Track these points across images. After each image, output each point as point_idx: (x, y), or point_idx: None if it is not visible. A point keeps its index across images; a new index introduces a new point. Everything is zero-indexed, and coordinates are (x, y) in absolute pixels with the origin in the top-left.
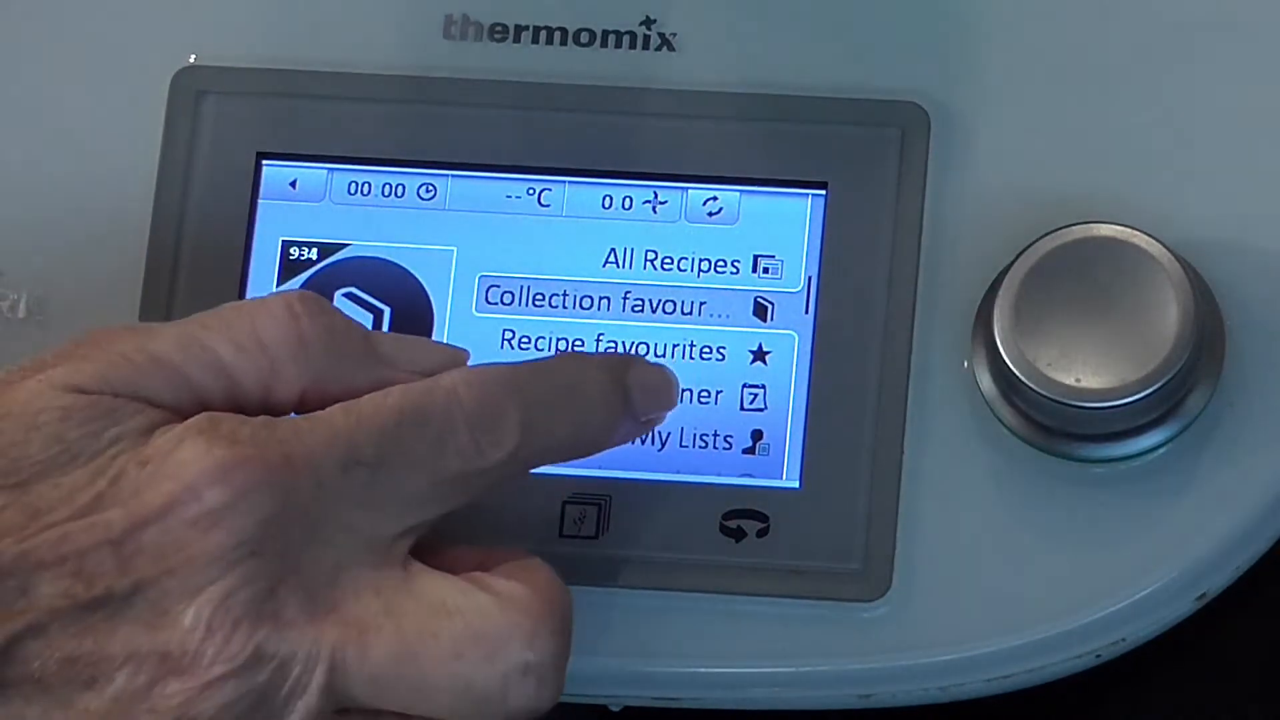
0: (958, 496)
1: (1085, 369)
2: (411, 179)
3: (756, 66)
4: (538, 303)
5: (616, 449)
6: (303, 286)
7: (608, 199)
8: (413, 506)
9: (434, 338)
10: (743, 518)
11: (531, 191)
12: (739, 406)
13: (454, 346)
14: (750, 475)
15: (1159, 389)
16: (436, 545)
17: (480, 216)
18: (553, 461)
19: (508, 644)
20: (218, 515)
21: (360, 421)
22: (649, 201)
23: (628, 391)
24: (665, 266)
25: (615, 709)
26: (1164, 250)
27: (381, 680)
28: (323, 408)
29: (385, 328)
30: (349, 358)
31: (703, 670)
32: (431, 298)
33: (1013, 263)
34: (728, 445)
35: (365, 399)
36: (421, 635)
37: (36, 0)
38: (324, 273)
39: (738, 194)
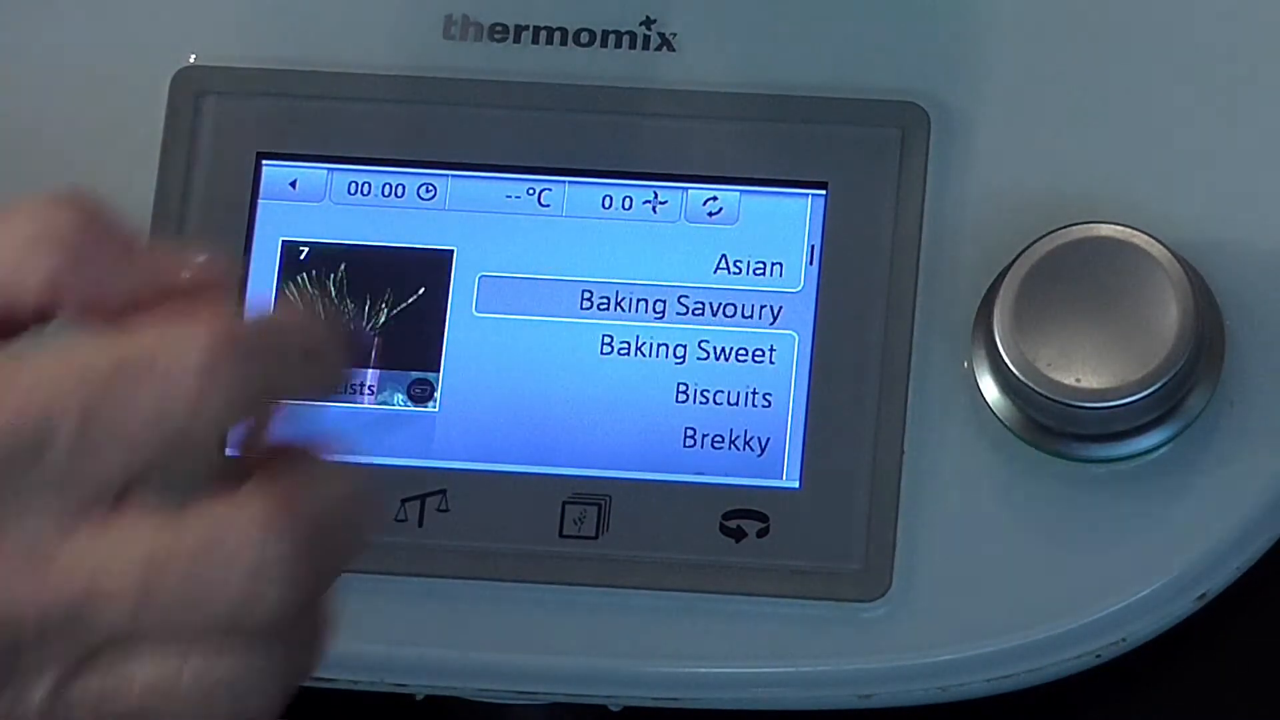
0: (958, 496)
1: (1085, 369)
2: (411, 179)
3: (756, 66)
4: (538, 303)
5: (616, 448)
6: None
7: (608, 199)
8: (130, 455)
9: (436, 338)
10: (743, 518)
11: (531, 191)
12: (739, 406)
13: (221, 257)
14: (750, 475)
15: (1159, 389)
16: None
17: (480, 216)
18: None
19: (242, 546)
20: None
21: (70, 377)
22: (649, 201)
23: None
24: (665, 267)
25: (615, 709)
26: (1164, 250)
27: (122, 613)
28: (76, 310)
29: (385, 328)
30: (108, 252)
31: (703, 670)
32: (432, 298)
33: (1013, 263)
34: (728, 445)
35: (88, 344)
36: (154, 557)
37: (36, 1)
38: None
39: (738, 194)
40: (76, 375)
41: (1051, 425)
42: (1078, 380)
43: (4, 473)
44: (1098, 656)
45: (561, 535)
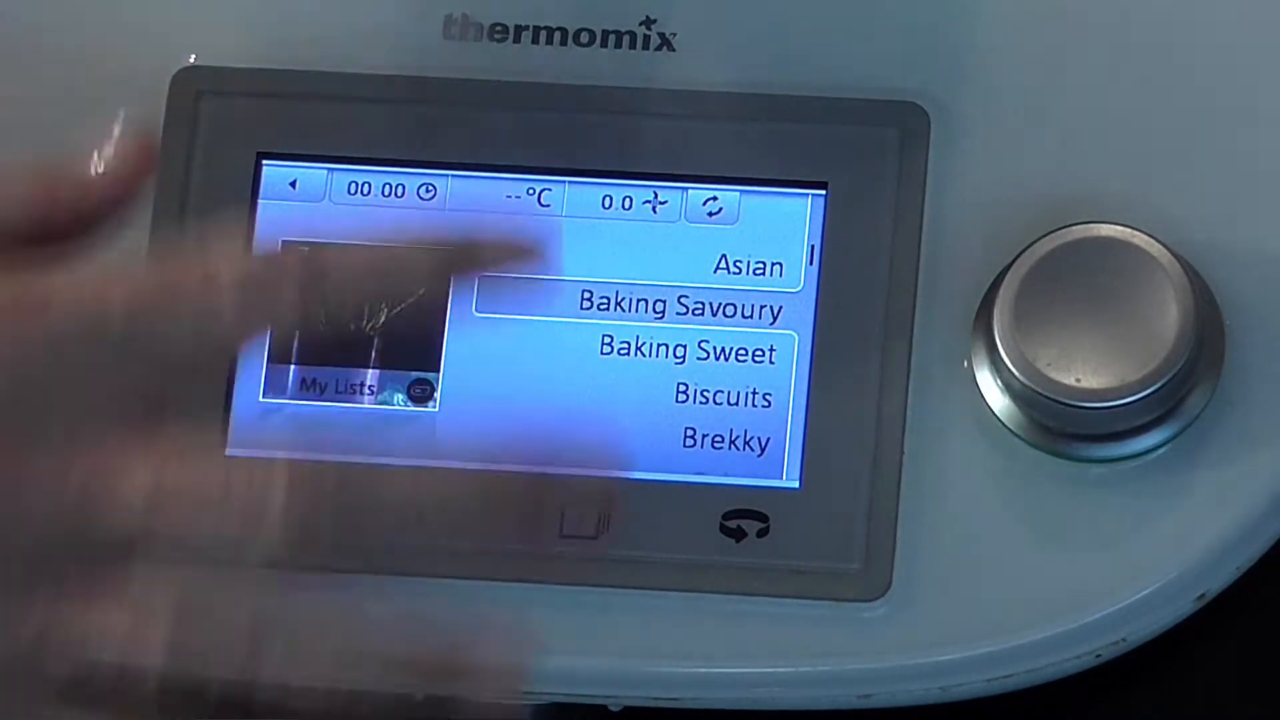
0: (958, 496)
1: (1085, 369)
2: (411, 179)
3: (756, 66)
4: (538, 303)
5: (618, 448)
6: None
7: (608, 199)
8: (170, 357)
9: (436, 338)
10: (743, 518)
11: (531, 191)
12: (739, 406)
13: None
14: (750, 475)
15: (1159, 389)
16: None
17: (480, 216)
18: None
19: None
20: None
21: (113, 289)
22: (649, 201)
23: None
24: (665, 267)
25: (615, 709)
26: (1164, 250)
27: (130, 521)
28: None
29: (384, 328)
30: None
31: (703, 670)
32: (432, 298)
33: (1013, 263)
34: (728, 445)
35: (123, 271)
36: (164, 485)
37: (37, 0)
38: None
39: (738, 194)
40: (128, 280)
41: (1051, 425)
42: (1078, 380)
43: (58, 361)
44: (1098, 656)
45: (562, 535)
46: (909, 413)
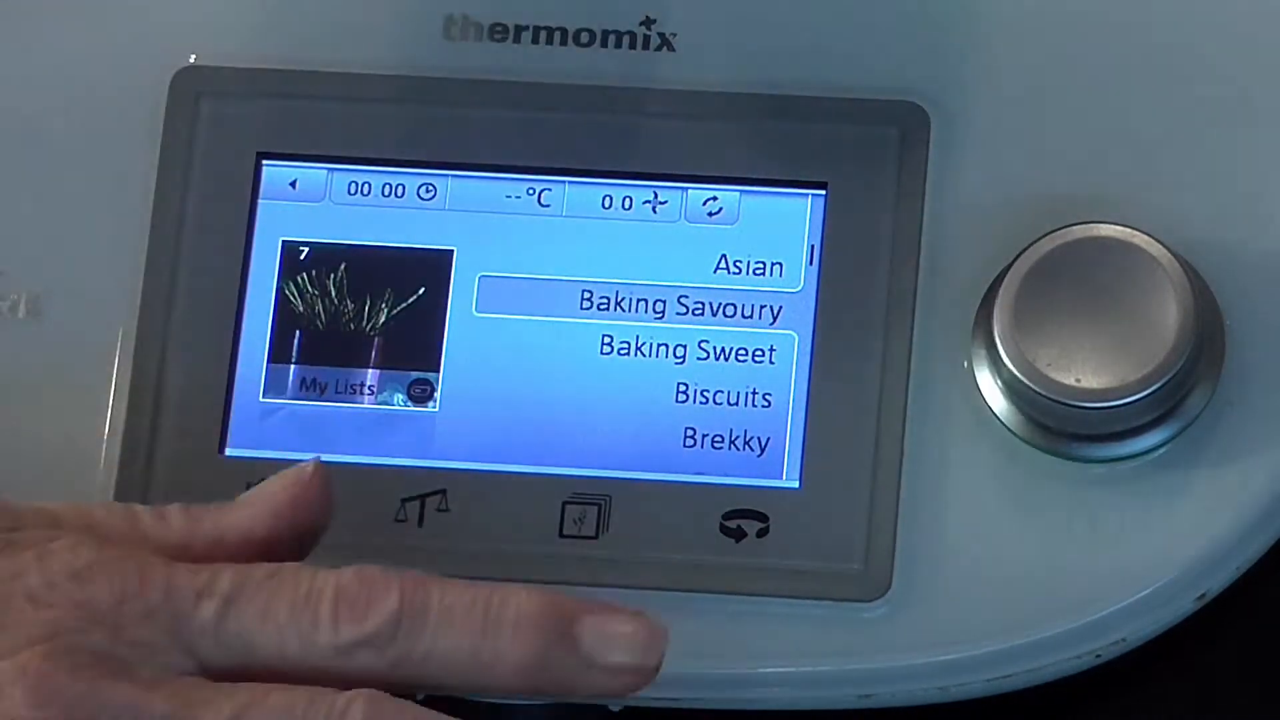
0: (958, 496)
1: (1085, 369)
2: (411, 179)
3: (756, 66)
4: (538, 303)
5: (616, 448)
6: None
7: (608, 199)
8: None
9: (436, 338)
10: (743, 518)
11: (531, 191)
12: (739, 406)
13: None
14: (750, 475)
15: (1159, 389)
16: None
17: (480, 216)
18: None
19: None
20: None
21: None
22: (649, 201)
23: (573, 634)
24: (665, 267)
25: (615, 709)
26: (1164, 250)
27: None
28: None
29: (385, 328)
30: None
31: (703, 670)
32: (432, 298)
33: (1013, 263)
34: (728, 445)
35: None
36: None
37: (37, 1)
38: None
39: (738, 194)
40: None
41: (1051, 425)
42: (1078, 380)
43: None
44: (1098, 656)
45: (561, 535)
46: (909, 413)
